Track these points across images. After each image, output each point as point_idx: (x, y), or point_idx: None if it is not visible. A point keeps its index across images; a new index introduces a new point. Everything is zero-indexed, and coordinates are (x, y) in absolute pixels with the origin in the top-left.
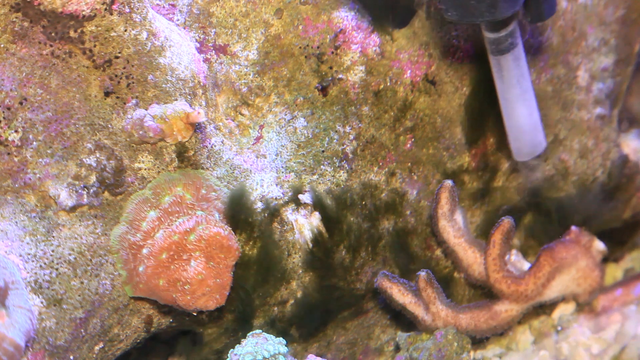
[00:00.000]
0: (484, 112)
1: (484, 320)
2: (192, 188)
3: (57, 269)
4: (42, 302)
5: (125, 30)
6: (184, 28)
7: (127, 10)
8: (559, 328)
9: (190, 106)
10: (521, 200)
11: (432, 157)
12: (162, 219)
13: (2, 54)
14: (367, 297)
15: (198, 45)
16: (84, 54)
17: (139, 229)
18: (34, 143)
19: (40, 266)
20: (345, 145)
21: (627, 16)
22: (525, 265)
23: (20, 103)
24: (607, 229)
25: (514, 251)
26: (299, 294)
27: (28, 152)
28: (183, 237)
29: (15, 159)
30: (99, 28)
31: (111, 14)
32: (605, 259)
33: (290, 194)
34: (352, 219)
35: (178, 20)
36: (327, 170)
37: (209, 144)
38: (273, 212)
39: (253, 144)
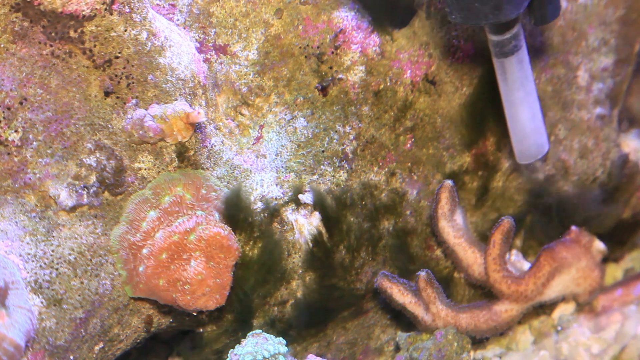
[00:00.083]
0: (484, 112)
1: (484, 320)
2: (192, 188)
3: (57, 269)
4: (42, 302)
5: (125, 30)
6: (184, 28)
7: (127, 10)
8: (559, 328)
9: (190, 106)
10: (522, 202)
11: (432, 157)
12: (162, 219)
13: (2, 54)
14: (367, 297)
15: (198, 45)
16: (84, 54)
17: (139, 229)
18: (34, 143)
19: (40, 266)
20: (345, 145)
21: (627, 16)
22: (525, 265)
23: (20, 103)
24: (607, 229)
25: (514, 251)
26: (299, 294)
27: (28, 152)
28: (183, 237)
29: (15, 159)
30: (99, 28)
31: (111, 14)
32: (605, 259)
33: (290, 194)
34: (352, 219)
35: (178, 20)
36: (327, 170)
37: (209, 144)
38: (273, 212)
39: (253, 144)
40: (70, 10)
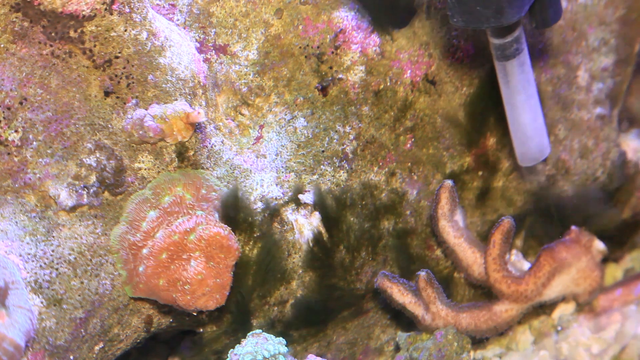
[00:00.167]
0: (484, 112)
1: (484, 320)
2: (192, 188)
3: (57, 269)
4: (42, 302)
5: (125, 30)
6: (184, 28)
7: (127, 10)
8: (559, 328)
9: (190, 106)
10: (523, 202)
11: (432, 157)
12: (162, 219)
13: (2, 54)
14: (367, 297)
15: (198, 45)
16: (84, 54)
17: (139, 229)
18: (34, 143)
19: (40, 266)
20: (345, 145)
21: (627, 16)
22: (526, 265)
23: (20, 103)
24: (607, 229)
25: (514, 251)
26: (299, 294)
27: (28, 152)
28: (183, 237)
29: (15, 159)
30: (99, 28)
31: (111, 14)
32: (605, 259)
33: (290, 194)
34: (352, 219)
35: (178, 20)
36: (327, 170)
37: (209, 144)
38: (273, 212)
39: (253, 144)
40: (70, 10)
